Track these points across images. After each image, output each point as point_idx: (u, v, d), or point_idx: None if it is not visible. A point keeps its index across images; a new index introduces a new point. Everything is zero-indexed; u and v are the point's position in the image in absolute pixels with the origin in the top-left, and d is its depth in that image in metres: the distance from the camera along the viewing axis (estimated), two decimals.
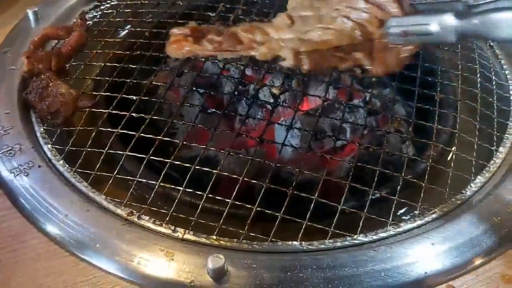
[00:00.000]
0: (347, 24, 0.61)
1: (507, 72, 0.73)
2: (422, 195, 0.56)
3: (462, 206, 0.55)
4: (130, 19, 0.78)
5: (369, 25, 0.61)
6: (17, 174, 0.55)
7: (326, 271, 0.47)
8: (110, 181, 0.56)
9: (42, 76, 0.65)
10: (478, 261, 0.51)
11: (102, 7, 0.83)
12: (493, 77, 0.70)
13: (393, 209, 0.55)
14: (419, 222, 0.54)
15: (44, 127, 0.63)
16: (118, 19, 0.78)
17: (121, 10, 0.80)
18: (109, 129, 0.61)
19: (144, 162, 0.58)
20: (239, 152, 0.67)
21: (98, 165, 0.58)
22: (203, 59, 0.71)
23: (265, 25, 0.64)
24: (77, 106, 0.64)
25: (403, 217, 0.57)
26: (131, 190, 0.56)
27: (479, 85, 0.68)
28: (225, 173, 0.57)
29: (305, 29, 0.62)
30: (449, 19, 0.54)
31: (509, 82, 0.72)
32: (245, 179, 0.56)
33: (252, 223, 0.53)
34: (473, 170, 0.59)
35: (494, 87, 0.69)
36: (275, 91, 0.66)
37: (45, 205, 0.52)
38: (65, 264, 0.49)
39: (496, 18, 0.51)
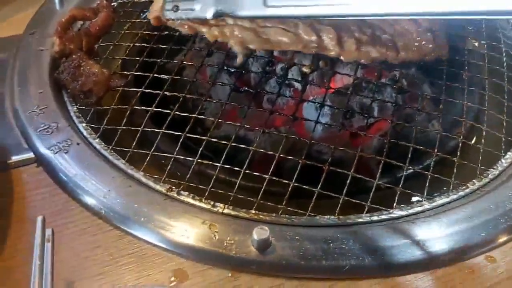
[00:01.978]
0: (307, 34, 0.61)
1: None
2: (455, 170, 0.57)
3: (495, 181, 0.56)
4: None
5: (328, 40, 0.61)
6: (57, 152, 0.56)
7: (368, 243, 0.48)
8: (148, 159, 0.57)
9: (74, 56, 0.65)
10: None
11: None
12: None
13: (427, 184, 0.56)
14: (453, 197, 0.55)
15: (77, 107, 0.63)
16: (143, 0, 0.79)
17: None
18: (144, 108, 0.61)
19: (181, 140, 0.58)
20: (272, 131, 0.68)
21: (134, 143, 0.58)
22: None
23: None
24: (110, 85, 0.64)
25: (437, 193, 0.58)
26: (168, 167, 0.57)
27: (505, 64, 0.69)
28: (262, 150, 0.57)
29: (264, 24, 0.62)
30: None
31: None
32: (281, 155, 0.57)
33: (288, 199, 0.54)
34: (503, 146, 0.60)
35: None
36: (305, 69, 0.66)
37: (87, 181, 0.53)
38: (110, 238, 0.50)
39: None
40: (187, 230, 0.49)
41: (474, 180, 0.57)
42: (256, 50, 0.62)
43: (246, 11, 0.59)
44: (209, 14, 0.60)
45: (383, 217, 0.52)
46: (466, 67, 0.67)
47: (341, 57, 0.61)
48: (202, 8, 0.60)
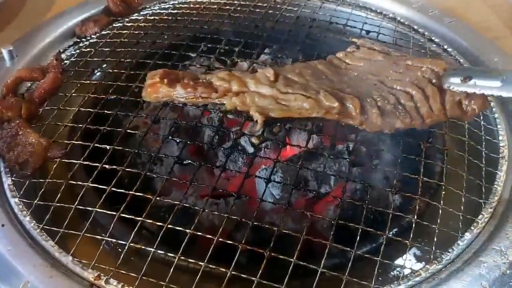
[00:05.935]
0: (329, 100, 0.58)
1: (496, 115, 0.71)
2: (406, 254, 0.53)
3: (449, 268, 0.53)
4: (108, 58, 0.76)
5: (351, 108, 0.59)
6: None
7: None
8: (78, 240, 0.53)
9: (12, 124, 0.62)
10: None
11: (81, 44, 0.81)
12: (482, 122, 0.68)
13: (375, 271, 0.52)
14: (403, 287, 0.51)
15: (12, 178, 0.60)
16: (96, 59, 0.76)
17: (99, 49, 0.77)
18: (79, 182, 0.58)
19: (115, 219, 0.55)
20: (218, 202, 0.65)
21: (66, 221, 0.55)
22: (181, 104, 0.68)
23: (245, 75, 0.63)
24: (47, 156, 0.61)
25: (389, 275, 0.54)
26: (101, 247, 0.53)
27: (467, 131, 0.66)
28: (199, 233, 0.54)
29: (286, 90, 0.60)
30: None
31: (498, 127, 0.69)
32: (220, 239, 0.53)
33: (230, 282, 0.50)
34: (460, 226, 0.56)
35: (483, 132, 0.67)
36: (254, 140, 0.63)
37: (7, 270, 0.50)
38: None
39: None
40: None
41: (427, 266, 0.53)
42: (276, 118, 0.60)
43: None
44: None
45: None
46: (426, 136, 0.64)
47: (364, 127, 0.59)
48: (507, 85, 0.54)
